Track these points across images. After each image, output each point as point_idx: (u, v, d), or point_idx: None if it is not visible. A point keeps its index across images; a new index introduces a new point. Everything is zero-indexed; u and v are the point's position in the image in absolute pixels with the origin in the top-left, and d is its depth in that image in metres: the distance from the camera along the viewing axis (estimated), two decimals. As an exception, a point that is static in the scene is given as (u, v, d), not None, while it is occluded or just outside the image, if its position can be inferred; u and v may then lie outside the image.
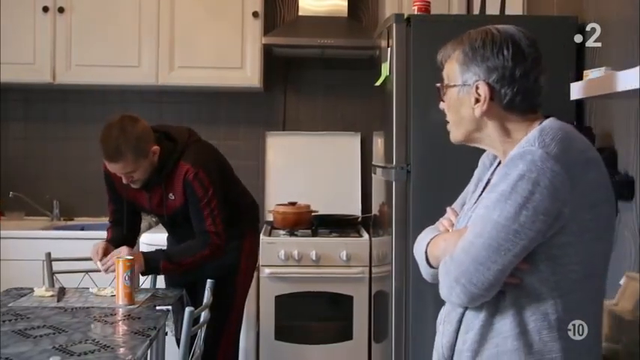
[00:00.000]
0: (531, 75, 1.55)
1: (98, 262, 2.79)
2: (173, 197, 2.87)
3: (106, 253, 2.82)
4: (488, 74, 1.55)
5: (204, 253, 2.83)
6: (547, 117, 1.58)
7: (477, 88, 1.56)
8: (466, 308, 1.57)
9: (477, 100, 1.57)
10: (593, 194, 1.47)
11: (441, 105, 1.67)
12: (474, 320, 1.55)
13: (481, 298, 1.50)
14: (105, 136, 2.73)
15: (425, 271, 1.70)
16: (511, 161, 1.48)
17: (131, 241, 3.06)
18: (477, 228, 1.49)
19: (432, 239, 1.67)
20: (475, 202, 1.64)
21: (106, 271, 2.75)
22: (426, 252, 1.67)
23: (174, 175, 2.84)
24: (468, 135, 1.63)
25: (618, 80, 1.74)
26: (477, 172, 1.78)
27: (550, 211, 1.43)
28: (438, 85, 1.66)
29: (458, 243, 1.53)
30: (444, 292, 1.57)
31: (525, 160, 1.45)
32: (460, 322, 1.59)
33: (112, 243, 2.92)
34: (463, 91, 1.59)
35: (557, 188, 1.42)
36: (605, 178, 1.52)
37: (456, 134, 1.65)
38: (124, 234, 3.02)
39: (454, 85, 1.61)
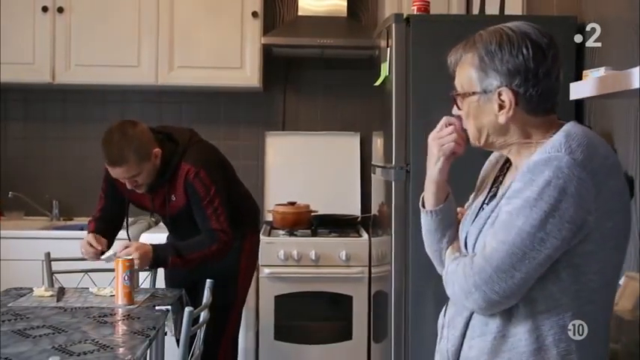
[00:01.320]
0: (553, 73, 1.49)
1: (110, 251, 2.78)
2: (175, 199, 2.87)
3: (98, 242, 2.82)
4: (511, 78, 1.47)
5: (212, 249, 2.82)
6: (560, 120, 1.55)
7: (500, 94, 1.48)
8: (472, 313, 1.53)
9: (501, 107, 1.49)
10: (613, 202, 1.43)
11: (456, 111, 1.59)
12: (483, 327, 1.51)
13: (500, 305, 1.46)
14: (106, 141, 2.73)
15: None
16: (536, 167, 1.42)
17: (111, 236, 3.01)
18: (500, 234, 1.44)
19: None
20: (485, 201, 1.61)
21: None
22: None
23: (176, 177, 2.84)
24: (487, 141, 1.56)
25: (621, 79, 1.74)
26: (483, 169, 1.74)
27: (576, 219, 1.39)
28: (454, 93, 1.58)
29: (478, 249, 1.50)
30: (457, 295, 1.52)
31: (551, 166, 1.40)
32: (466, 327, 1.55)
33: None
34: (484, 98, 1.51)
35: (582, 196, 1.38)
36: (624, 185, 1.48)
37: (474, 140, 1.58)
38: (105, 229, 2.98)
39: (473, 93, 1.52)
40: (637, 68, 1.63)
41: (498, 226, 1.46)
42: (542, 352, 1.45)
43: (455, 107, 1.60)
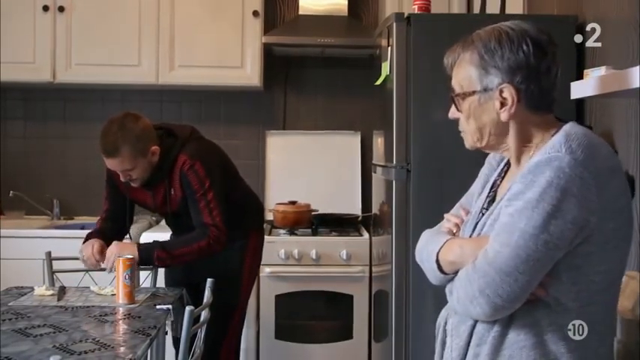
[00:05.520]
0: (553, 69, 1.49)
1: (102, 264, 2.78)
2: (174, 192, 2.87)
3: (101, 251, 2.81)
4: (512, 75, 1.46)
5: (201, 244, 2.79)
6: (560, 120, 1.54)
7: (502, 92, 1.47)
8: (476, 321, 1.50)
9: (502, 105, 1.48)
10: (615, 202, 1.41)
11: (453, 114, 1.57)
12: (485, 333, 1.49)
13: (504, 310, 1.43)
14: (105, 130, 2.73)
15: (434, 276, 1.59)
16: (536, 167, 1.40)
17: (118, 235, 3.00)
18: (503, 237, 1.41)
19: (444, 243, 1.57)
20: (484, 206, 1.59)
21: (110, 270, 2.74)
22: (437, 257, 1.57)
23: (174, 169, 2.84)
24: (489, 142, 1.54)
25: (622, 79, 1.73)
26: (483, 172, 1.72)
27: (578, 219, 1.37)
28: (453, 95, 1.55)
29: (478, 252, 1.45)
30: (462, 303, 1.48)
31: (552, 166, 1.38)
32: (471, 335, 1.52)
33: (100, 234, 2.90)
34: (484, 97, 1.50)
35: (585, 196, 1.37)
36: (626, 186, 1.46)
37: (474, 142, 1.56)
38: (112, 229, 2.99)
39: (473, 92, 1.51)
40: (637, 67, 1.63)
41: (500, 228, 1.43)
42: (542, 346, 1.43)
43: (452, 110, 1.58)
